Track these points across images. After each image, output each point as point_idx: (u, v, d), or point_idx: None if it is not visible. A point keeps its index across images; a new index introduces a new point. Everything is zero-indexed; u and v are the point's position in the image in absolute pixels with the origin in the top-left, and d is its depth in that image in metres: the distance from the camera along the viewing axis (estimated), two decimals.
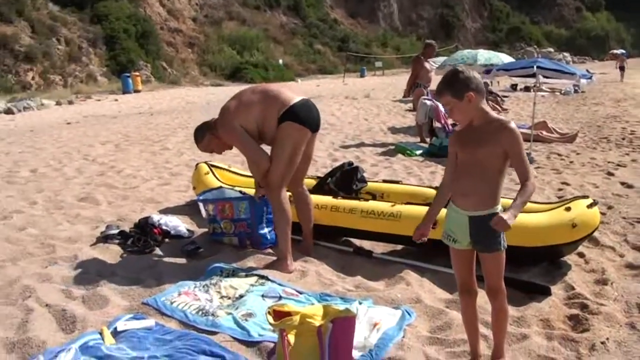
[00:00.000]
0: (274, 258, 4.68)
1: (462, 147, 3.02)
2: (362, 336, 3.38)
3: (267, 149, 4.65)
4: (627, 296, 4.16)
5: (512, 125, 2.93)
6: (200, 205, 5.24)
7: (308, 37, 50.90)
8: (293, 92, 4.71)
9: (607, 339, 3.47)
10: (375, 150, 10.52)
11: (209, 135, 4.78)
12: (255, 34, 44.54)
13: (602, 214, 6.00)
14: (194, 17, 42.61)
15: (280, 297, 3.96)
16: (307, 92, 24.12)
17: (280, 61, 43.69)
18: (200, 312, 3.72)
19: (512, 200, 2.88)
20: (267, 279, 4.27)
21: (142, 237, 5.13)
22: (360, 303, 3.81)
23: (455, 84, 2.92)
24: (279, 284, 4.19)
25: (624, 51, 71.98)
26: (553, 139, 11.19)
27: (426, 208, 4.69)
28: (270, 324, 2.98)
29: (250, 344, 3.37)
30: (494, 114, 3.03)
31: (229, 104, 4.67)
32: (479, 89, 2.93)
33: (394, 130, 13.23)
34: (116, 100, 24.04)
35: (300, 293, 4.08)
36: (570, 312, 3.92)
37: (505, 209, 2.86)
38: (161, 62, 35.14)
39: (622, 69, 32.64)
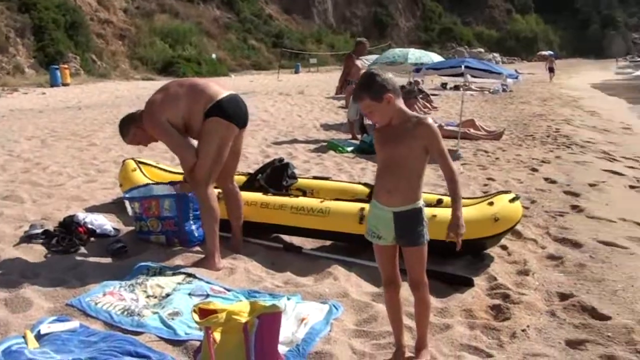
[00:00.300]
0: (202, 256, 4.63)
1: (382, 146, 3.10)
2: (290, 331, 3.40)
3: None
4: (548, 285, 4.35)
5: (429, 121, 3.04)
6: (127, 203, 5.13)
7: (242, 32, 50.50)
8: (221, 86, 4.65)
9: (528, 326, 3.62)
10: (307, 147, 10.57)
11: (134, 128, 4.67)
12: (188, 27, 43.76)
13: (526, 208, 6.25)
14: (125, 9, 41.49)
15: (207, 295, 3.92)
16: (240, 87, 24.07)
17: (214, 56, 43.12)
18: (126, 312, 3.64)
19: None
20: (194, 277, 4.22)
21: (66, 236, 4.96)
22: (288, 299, 3.81)
23: (373, 87, 2.98)
24: (207, 282, 4.15)
25: (552, 52, 75.02)
26: (480, 136, 11.54)
27: (355, 204, 4.83)
28: (196, 322, 2.95)
29: (176, 343, 3.33)
30: (410, 112, 3.11)
31: (155, 97, 4.58)
32: (395, 89, 3.01)
33: (326, 127, 13.32)
34: (44, 93, 23.16)
35: (229, 290, 4.05)
36: (493, 302, 4.06)
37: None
38: (91, 55, 34.03)
39: (551, 70, 33.86)
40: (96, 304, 3.73)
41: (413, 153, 2.98)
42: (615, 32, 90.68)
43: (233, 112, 4.50)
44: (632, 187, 8.13)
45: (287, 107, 17.49)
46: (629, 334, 3.51)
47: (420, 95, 16.79)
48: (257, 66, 46.54)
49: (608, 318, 3.75)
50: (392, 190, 3.02)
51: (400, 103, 3.05)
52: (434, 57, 15.05)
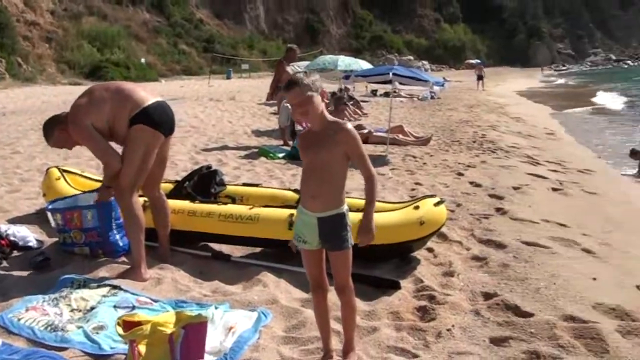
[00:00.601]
0: (128, 266, 4.52)
1: (305, 151, 3.15)
2: (218, 341, 3.37)
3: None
4: (472, 285, 4.48)
5: (349, 126, 3.11)
6: (49, 214, 4.95)
7: (172, 36, 49.80)
8: (148, 92, 4.57)
9: (453, 325, 3.73)
10: (238, 153, 10.50)
11: (58, 130, 4.52)
12: (116, 30, 42.81)
13: (451, 211, 6.42)
14: (52, 10, 40.18)
15: (133, 307, 3.83)
16: (170, 93, 23.72)
17: (143, 60, 42.32)
18: (49, 328, 3.51)
19: (363, 200, 3.03)
20: (120, 288, 4.11)
21: None
22: (216, 308, 3.77)
23: (304, 90, 3.01)
24: (133, 293, 4.05)
25: (479, 61, 77.36)
26: (409, 142, 11.76)
27: (284, 210, 4.84)
28: (120, 335, 2.88)
29: (101, 357, 3.25)
30: (331, 117, 3.16)
31: (79, 101, 4.45)
32: (318, 92, 3.06)
33: (257, 133, 13.28)
34: None
35: (155, 301, 3.97)
36: (419, 303, 4.15)
37: (357, 209, 3.00)
38: (16, 58, 32.74)
39: (480, 77, 34.68)
40: (19, 319, 3.58)
41: (334, 158, 3.03)
42: (541, 42, 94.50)
43: (159, 120, 4.42)
44: (554, 189, 8.47)
45: (218, 113, 17.33)
46: (551, 330, 3.66)
47: (351, 102, 17.01)
48: (187, 71, 45.99)
49: (531, 315, 3.90)
50: (316, 196, 3.07)
51: (323, 109, 3.10)
52: (364, 65, 15.27)
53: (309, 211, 3.10)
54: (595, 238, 6.12)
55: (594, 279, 4.82)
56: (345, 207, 3.11)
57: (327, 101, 16.45)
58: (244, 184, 6.52)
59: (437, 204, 4.92)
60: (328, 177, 3.04)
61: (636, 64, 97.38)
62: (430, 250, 5.21)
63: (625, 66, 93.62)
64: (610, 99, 32.68)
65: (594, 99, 33.27)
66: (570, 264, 5.10)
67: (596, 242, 5.97)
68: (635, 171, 11.60)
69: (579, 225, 6.52)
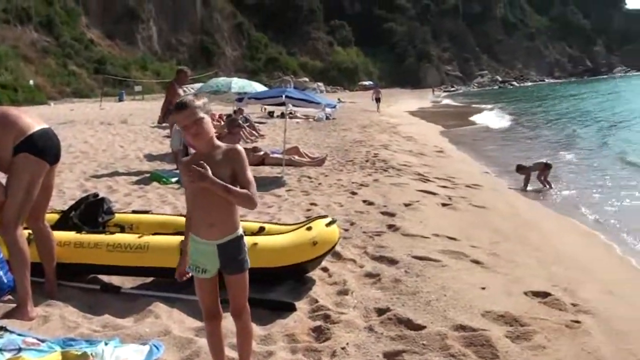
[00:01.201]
0: (14, 305, 4.26)
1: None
2: None
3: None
4: (366, 302, 4.57)
5: (238, 147, 3.11)
6: None
7: (62, 57, 47.85)
8: (34, 119, 4.35)
9: (347, 344, 3.78)
10: (129, 179, 10.20)
11: None
12: (3, 51, 40.60)
13: (345, 230, 6.53)
14: None
15: (20, 349, 3.58)
16: (60, 117, 22.70)
17: (31, 82, 40.30)
18: None
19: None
20: (5, 329, 3.84)
21: None
22: (106, 344, 3.61)
23: (195, 112, 2.99)
24: (19, 334, 3.79)
25: (372, 82, 79.65)
26: (304, 162, 11.87)
27: (175, 237, 4.73)
28: None
29: None
30: (219, 142, 3.14)
31: None
32: (208, 114, 3.06)
33: (150, 157, 12.96)
34: None
35: (42, 341, 3.73)
36: (314, 324, 4.18)
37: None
38: None
39: (378, 100, 35.34)
40: None
41: (225, 181, 2.98)
42: (430, 65, 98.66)
43: (44, 147, 4.24)
44: (444, 204, 8.81)
45: (109, 137, 16.77)
46: (442, 340, 3.80)
47: (246, 124, 16.99)
48: (78, 93, 44.27)
49: (423, 327, 4.03)
50: (214, 224, 3.03)
51: (212, 131, 3.08)
52: (257, 87, 15.30)
53: (206, 240, 3.05)
54: (484, 249, 6.43)
55: (483, 288, 5.05)
56: (241, 229, 3.10)
57: (217, 123, 16.38)
58: (134, 211, 6.32)
59: (329, 224, 4.99)
60: (222, 201, 3.00)
61: (521, 85, 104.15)
62: (324, 269, 5.27)
63: (511, 87, 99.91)
64: (495, 118, 34.51)
65: (480, 118, 35.03)
66: (460, 276, 5.32)
67: (485, 253, 6.28)
68: (521, 185, 12.33)
69: (467, 238, 6.82)
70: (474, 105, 50.11)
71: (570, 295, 5.36)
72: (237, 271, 3.09)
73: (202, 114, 2.98)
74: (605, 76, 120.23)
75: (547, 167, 12.58)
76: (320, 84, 71.76)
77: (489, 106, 46.76)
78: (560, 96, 56.85)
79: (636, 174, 14.24)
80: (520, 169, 12.59)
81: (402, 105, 46.98)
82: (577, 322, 4.71)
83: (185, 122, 2.99)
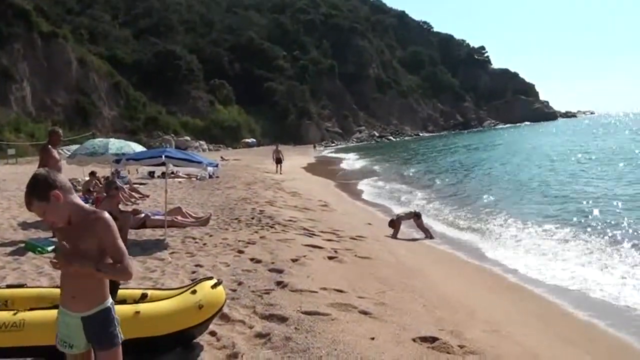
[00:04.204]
0: None
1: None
2: None
3: None
4: None
5: (105, 215, 2.93)
6: None
7: None
8: None
9: None
10: (2, 250, 9.41)
11: None
12: None
13: (232, 290, 6.37)
14: None
15: None
16: None
17: None
18: None
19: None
20: None
21: None
22: None
23: (37, 189, 2.84)
24: None
25: (254, 140, 79.99)
26: (187, 223, 11.57)
27: (54, 311, 4.36)
28: None
29: None
30: (88, 207, 2.98)
31: None
32: (64, 186, 2.89)
33: (25, 225, 12.09)
34: None
35: None
36: None
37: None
38: None
39: (278, 161, 33.26)
40: None
41: (93, 251, 2.84)
42: (310, 122, 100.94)
43: None
44: (330, 257, 8.89)
45: None
46: None
47: (126, 186, 16.42)
48: None
49: None
50: (77, 295, 2.84)
51: (75, 198, 2.90)
52: (136, 147, 14.87)
53: (70, 312, 2.84)
54: (371, 299, 6.51)
55: (373, 338, 5.09)
56: (109, 301, 2.90)
57: (98, 186, 15.70)
58: (8, 286, 5.80)
59: (214, 285, 4.84)
60: (85, 272, 2.82)
61: (398, 139, 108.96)
62: (212, 333, 5.08)
63: (388, 141, 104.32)
64: (380, 169, 35.60)
65: (370, 172, 35.91)
66: (350, 328, 5.34)
67: (372, 303, 6.36)
68: (409, 234, 12.70)
69: (355, 290, 6.89)
70: (361, 160, 51.60)
71: (457, 337, 5.53)
72: (106, 346, 2.90)
73: (43, 202, 2.81)
74: (475, 129, 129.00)
75: (417, 216, 13.11)
76: (202, 142, 71.14)
77: (373, 159, 48.38)
78: (439, 150, 60.04)
79: (502, 214, 15.38)
80: (391, 223, 13.01)
81: (287, 161, 47.32)
82: None
83: (38, 214, 2.87)
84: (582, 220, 13.69)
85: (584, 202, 16.54)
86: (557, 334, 6.76)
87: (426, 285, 8.22)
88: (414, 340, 5.29)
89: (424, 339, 5.33)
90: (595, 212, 14.62)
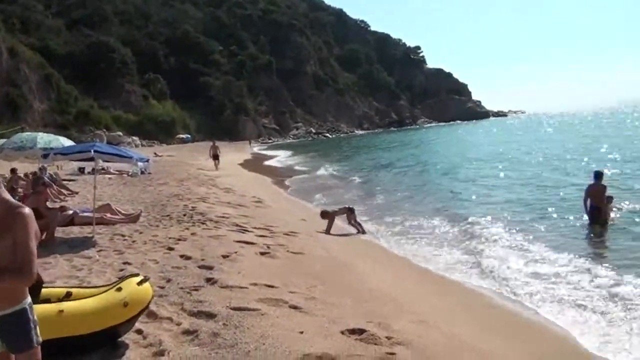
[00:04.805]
0: None
1: None
2: None
3: None
4: None
5: (26, 211, 2.83)
6: None
7: None
8: None
9: None
10: None
11: None
12: None
13: (161, 287, 6.30)
14: None
15: None
16: None
17: None
18: None
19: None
20: None
21: None
22: None
23: None
24: None
25: (189, 135, 78.67)
26: (117, 220, 11.28)
27: None
28: None
29: None
30: (14, 201, 2.89)
31: None
32: None
33: None
34: None
35: None
36: None
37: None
38: None
39: (215, 157, 32.70)
40: None
41: (6, 246, 2.73)
42: (247, 118, 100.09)
43: None
44: (262, 253, 8.90)
45: None
46: None
47: (55, 183, 15.92)
48: None
49: None
50: None
51: (4, 194, 2.81)
52: (65, 142, 14.41)
53: None
54: (302, 294, 6.58)
55: (301, 332, 5.15)
56: (27, 301, 2.81)
57: (23, 182, 15.18)
58: None
59: (140, 282, 4.78)
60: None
61: (334, 136, 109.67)
62: (139, 331, 5.02)
63: (325, 138, 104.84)
64: (315, 165, 35.74)
65: (306, 169, 35.93)
66: (279, 322, 5.38)
67: (303, 297, 6.42)
68: (346, 228, 12.85)
69: (286, 284, 6.94)
70: (294, 157, 51.66)
71: (385, 329, 5.65)
72: (22, 348, 2.81)
73: None
74: (409, 127, 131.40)
75: (350, 211, 13.29)
76: (135, 137, 69.50)
77: (308, 157, 48.52)
78: (375, 146, 60.97)
79: (428, 209, 16.00)
80: (324, 214, 13.13)
81: (224, 157, 46.79)
82: (392, 354, 4.98)
83: None
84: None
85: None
86: (480, 322, 7.03)
87: (356, 279, 8.37)
88: (342, 332, 5.38)
89: (352, 331, 5.42)
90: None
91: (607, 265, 9.19)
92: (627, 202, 14.37)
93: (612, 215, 12.88)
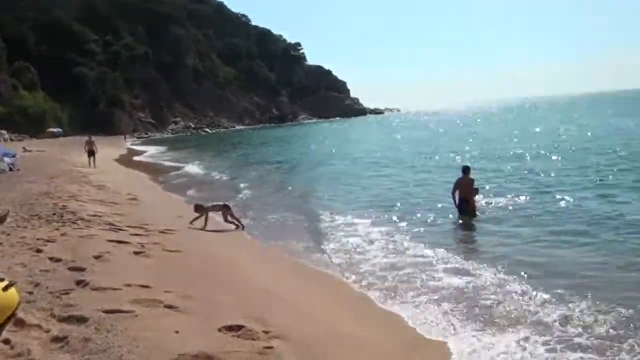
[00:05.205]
0: None
1: None
2: None
3: None
4: None
5: None
6: None
7: None
8: None
9: None
10: None
11: None
12: None
13: (28, 292, 6.03)
14: None
15: None
16: None
17: None
18: None
19: None
20: None
21: None
22: None
23: None
24: None
25: (60, 129, 74.62)
26: None
27: None
28: None
29: None
30: None
31: None
32: None
33: None
34: None
35: None
36: None
37: None
38: None
39: (91, 153, 31.10)
40: None
41: None
42: (123, 111, 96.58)
43: None
44: (136, 252, 8.70)
45: None
46: None
47: None
48: None
49: None
50: None
51: None
52: None
53: None
54: (177, 293, 6.52)
55: (177, 332, 5.14)
56: None
57: None
58: None
59: (5, 288, 4.55)
60: None
61: (214, 131, 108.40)
62: (6, 341, 4.75)
63: (204, 133, 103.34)
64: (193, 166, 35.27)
65: (181, 165, 35.27)
66: (154, 323, 5.34)
67: (179, 296, 6.38)
68: (210, 224, 12.81)
69: (161, 284, 6.84)
70: (170, 153, 50.58)
71: (263, 323, 5.78)
72: None
73: None
74: (290, 123, 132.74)
75: (226, 207, 13.34)
76: (4, 131, 64.99)
77: (186, 152, 47.75)
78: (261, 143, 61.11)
79: (297, 203, 16.74)
80: (198, 208, 13.10)
81: (100, 153, 44.97)
82: (270, 347, 5.12)
83: None
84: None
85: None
86: (354, 311, 7.44)
87: (235, 275, 8.46)
88: (219, 330, 5.43)
89: (230, 328, 5.49)
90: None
91: (465, 256, 10.00)
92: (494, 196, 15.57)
93: (477, 205, 13.88)
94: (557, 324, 6.69)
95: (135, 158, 44.89)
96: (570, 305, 7.26)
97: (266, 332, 5.55)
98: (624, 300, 7.26)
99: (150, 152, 51.81)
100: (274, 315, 6.25)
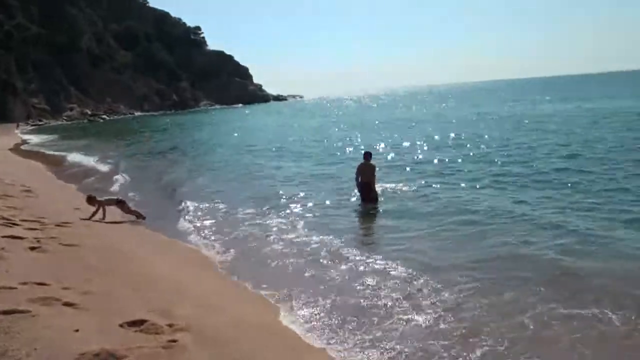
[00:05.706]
0: None
1: None
2: None
3: None
4: None
5: None
6: None
7: None
8: None
9: None
10: None
11: None
12: None
13: None
14: None
15: None
16: None
17: None
18: None
19: None
20: None
21: None
22: None
23: None
24: None
25: None
26: None
27: None
28: None
29: None
30: None
31: None
32: None
33: None
34: None
35: None
36: None
37: None
38: None
39: None
40: None
41: None
42: (16, 97, 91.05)
43: None
44: (32, 248, 8.32)
45: None
46: None
47: None
48: None
49: None
50: None
51: None
52: None
53: None
54: (76, 289, 6.34)
55: (77, 330, 5.00)
56: None
57: None
58: None
59: None
60: None
61: (112, 118, 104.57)
62: None
63: (101, 120, 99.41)
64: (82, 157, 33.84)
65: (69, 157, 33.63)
66: (52, 323, 5.16)
67: (77, 293, 6.20)
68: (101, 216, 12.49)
69: (59, 281, 6.62)
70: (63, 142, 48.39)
71: (167, 316, 5.74)
72: None
73: None
74: (191, 109, 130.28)
75: (121, 203, 13.10)
76: None
77: (80, 143, 45.88)
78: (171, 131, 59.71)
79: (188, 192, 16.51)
80: (90, 199, 12.75)
81: None
82: (174, 341, 5.10)
83: None
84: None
85: None
86: (257, 300, 7.48)
87: (136, 268, 8.31)
88: (121, 325, 5.34)
89: (132, 323, 5.41)
90: None
91: (359, 241, 10.49)
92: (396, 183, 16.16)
93: (379, 191, 14.30)
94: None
95: (28, 147, 42.65)
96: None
97: (170, 326, 5.52)
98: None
99: (41, 141, 49.29)
100: (178, 307, 6.23)
